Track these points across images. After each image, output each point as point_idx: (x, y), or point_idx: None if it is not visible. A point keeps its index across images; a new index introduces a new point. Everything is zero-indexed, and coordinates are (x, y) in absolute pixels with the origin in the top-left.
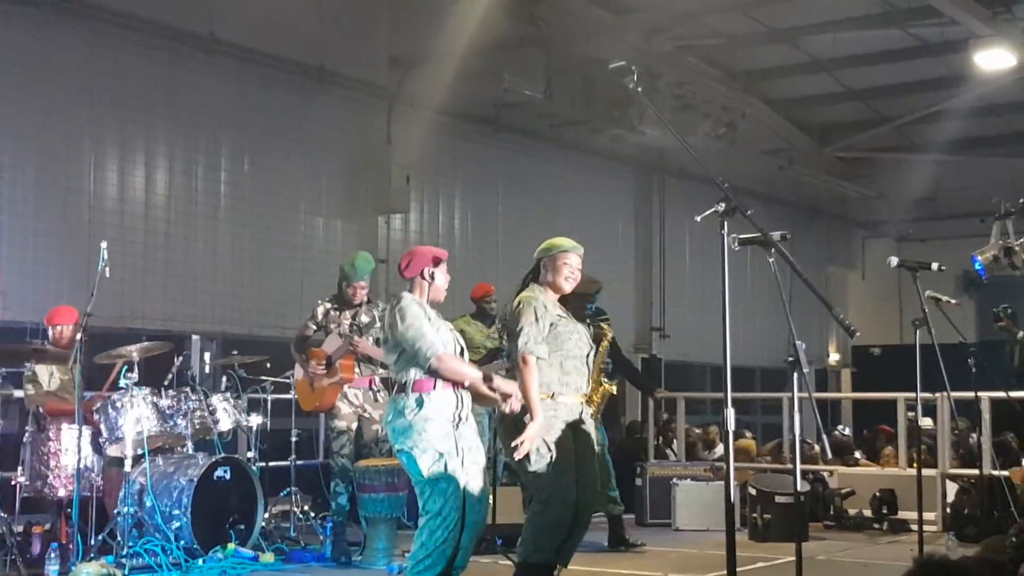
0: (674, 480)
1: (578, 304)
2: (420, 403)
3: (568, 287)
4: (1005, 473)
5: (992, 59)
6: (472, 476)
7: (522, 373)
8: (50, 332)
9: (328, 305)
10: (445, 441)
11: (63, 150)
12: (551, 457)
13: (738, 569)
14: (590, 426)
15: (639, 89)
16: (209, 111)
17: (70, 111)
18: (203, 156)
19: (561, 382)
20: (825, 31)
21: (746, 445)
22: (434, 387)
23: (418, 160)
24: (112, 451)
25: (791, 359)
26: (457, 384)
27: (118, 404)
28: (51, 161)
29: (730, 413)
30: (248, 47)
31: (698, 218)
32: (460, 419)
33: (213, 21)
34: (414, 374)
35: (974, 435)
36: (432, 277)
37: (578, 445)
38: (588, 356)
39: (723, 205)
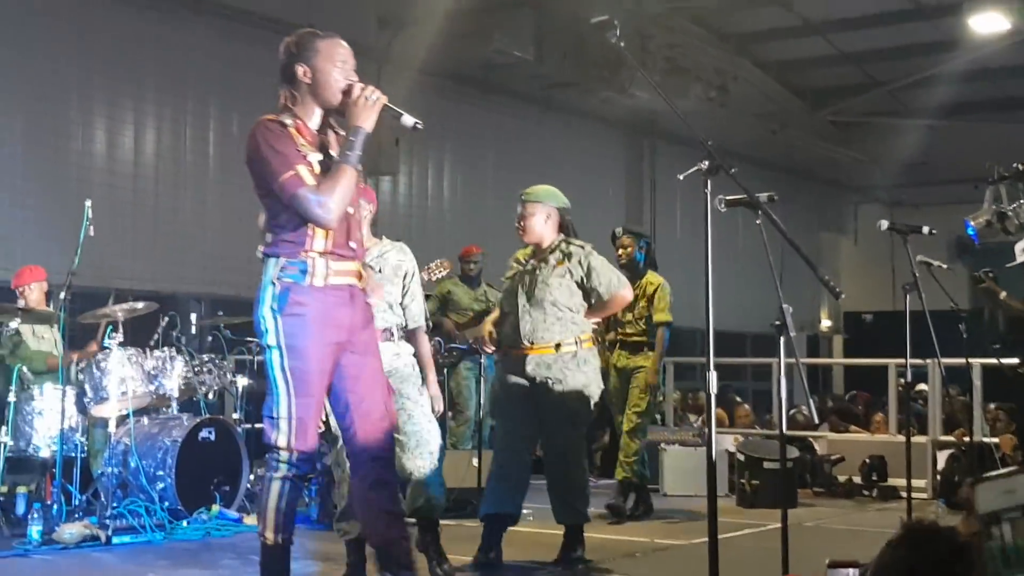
0: (662, 445)
1: None
2: None
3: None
4: (995, 440)
5: (986, 23)
6: None
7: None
8: (18, 293)
9: None
10: None
11: (51, 108)
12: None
13: (725, 535)
14: None
15: (622, 44)
16: (197, 70)
17: (58, 68)
18: (191, 116)
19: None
20: None
21: (745, 413)
22: None
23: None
24: (97, 411)
25: (777, 323)
26: None
27: (103, 364)
28: (39, 119)
29: (712, 376)
30: (236, 6)
31: (681, 176)
32: None
33: None
34: None
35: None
36: None
37: None
38: None
39: (707, 163)
